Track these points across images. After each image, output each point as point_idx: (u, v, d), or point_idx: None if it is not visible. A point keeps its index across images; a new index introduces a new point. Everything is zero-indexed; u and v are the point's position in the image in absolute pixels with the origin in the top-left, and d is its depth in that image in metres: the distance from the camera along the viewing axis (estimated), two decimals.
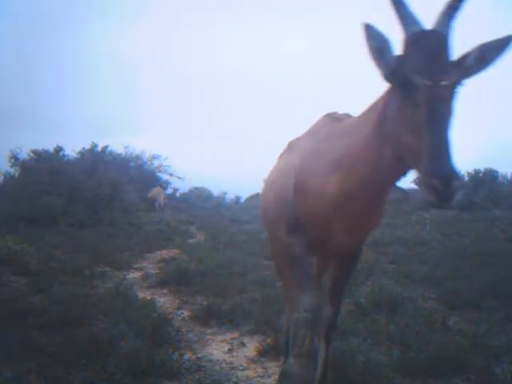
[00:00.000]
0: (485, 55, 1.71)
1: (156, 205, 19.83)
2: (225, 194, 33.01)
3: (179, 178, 26.28)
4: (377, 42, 1.71)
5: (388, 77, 1.72)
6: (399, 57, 1.71)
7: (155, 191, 20.55)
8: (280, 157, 2.84)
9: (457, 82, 1.67)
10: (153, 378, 3.06)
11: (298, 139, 2.64)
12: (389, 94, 1.80)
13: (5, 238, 7.00)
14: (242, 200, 33.50)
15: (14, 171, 15.64)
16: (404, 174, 1.85)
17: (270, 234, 2.72)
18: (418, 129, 1.61)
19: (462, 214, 13.65)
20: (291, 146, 2.68)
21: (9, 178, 15.37)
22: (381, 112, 1.83)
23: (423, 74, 1.63)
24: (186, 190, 30.80)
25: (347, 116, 2.39)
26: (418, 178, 1.63)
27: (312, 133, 2.43)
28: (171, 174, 26.23)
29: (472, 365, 3.19)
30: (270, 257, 3.22)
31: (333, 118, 2.40)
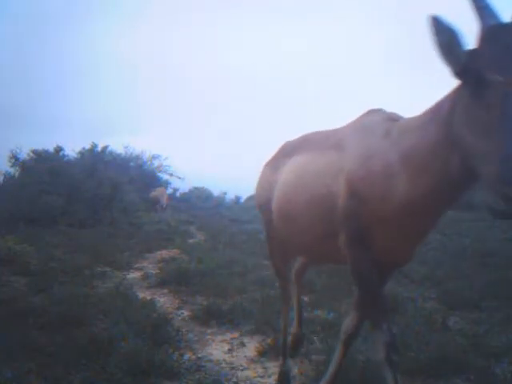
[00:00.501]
0: None
1: (158, 206, 19.65)
2: (225, 194, 33.07)
3: (179, 177, 26.34)
4: (446, 37, 1.58)
5: (459, 74, 1.58)
6: (472, 52, 1.57)
7: (158, 191, 20.39)
8: (287, 156, 2.63)
9: None
10: (153, 378, 3.06)
11: (329, 135, 2.35)
12: (458, 92, 1.64)
13: (5, 238, 7.01)
14: (242, 200, 33.52)
15: (14, 171, 15.68)
16: (470, 186, 1.71)
17: (289, 237, 2.58)
18: (491, 131, 1.48)
19: (462, 214, 13.64)
20: (330, 141, 2.32)
21: (9, 178, 15.39)
22: (448, 113, 1.68)
23: (499, 70, 1.49)
24: (186, 190, 30.83)
25: (397, 115, 2.16)
26: (486, 185, 1.49)
27: (362, 130, 2.12)
28: (171, 174, 26.28)
29: (472, 365, 3.19)
30: (268, 257, 3.21)
31: (385, 114, 2.14)
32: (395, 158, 1.87)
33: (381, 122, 2.08)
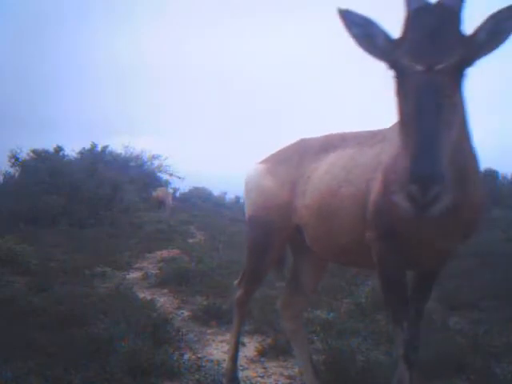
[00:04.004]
0: (500, 26, 1.44)
1: (163, 206, 19.07)
2: (225, 193, 33.07)
3: (179, 177, 26.35)
4: (360, 28, 1.53)
5: (387, 66, 1.50)
6: (393, 40, 1.50)
7: (161, 191, 20.03)
8: (316, 154, 2.51)
9: (462, 64, 1.42)
10: (153, 378, 3.06)
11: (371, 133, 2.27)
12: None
13: (5, 238, 7.00)
14: (242, 200, 33.49)
15: (14, 171, 15.67)
16: None
17: (323, 236, 2.38)
18: (408, 123, 1.39)
19: None
20: (379, 135, 2.23)
21: (9, 177, 15.38)
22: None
23: (415, 56, 1.39)
24: (186, 190, 30.84)
25: None
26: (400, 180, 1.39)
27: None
28: (171, 174, 26.30)
29: (472, 365, 3.19)
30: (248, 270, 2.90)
31: None
32: None
33: None
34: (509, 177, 20.44)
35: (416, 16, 1.44)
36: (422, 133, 1.33)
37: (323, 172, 2.39)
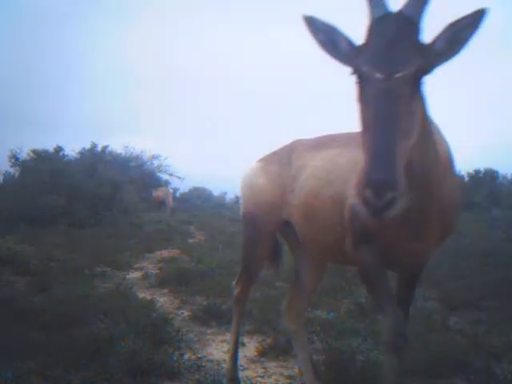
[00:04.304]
0: (457, 35, 1.49)
1: (163, 207, 18.93)
2: (225, 194, 33.07)
3: (179, 177, 26.34)
4: (325, 34, 1.58)
5: (351, 70, 1.53)
6: (359, 46, 1.55)
7: (161, 191, 19.89)
8: (307, 152, 2.59)
9: (420, 73, 1.46)
10: (153, 378, 3.06)
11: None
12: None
13: (5, 238, 7.00)
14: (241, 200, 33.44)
15: (14, 171, 15.68)
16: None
17: (309, 235, 2.51)
18: (367, 129, 1.43)
19: (462, 213, 13.65)
20: (349, 139, 2.32)
21: (9, 177, 15.39)
22: None
23: (375, 64, 1.43)
24: (186, 190, 30.83)
25: None
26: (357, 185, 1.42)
27: None
28: (171, 174, 26.29)
29: (472, 365, 3.19)
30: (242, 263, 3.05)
31: None
32: None
33: None
34: (509, 177, 20.46)
35: (377, 24, 1.49)
36: (378, 139, 1.37)
37: (309, 173, 2.48)
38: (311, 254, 2.79)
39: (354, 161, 2.08)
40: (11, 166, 15.77)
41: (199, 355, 3.65)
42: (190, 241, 11.21)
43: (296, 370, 3.30)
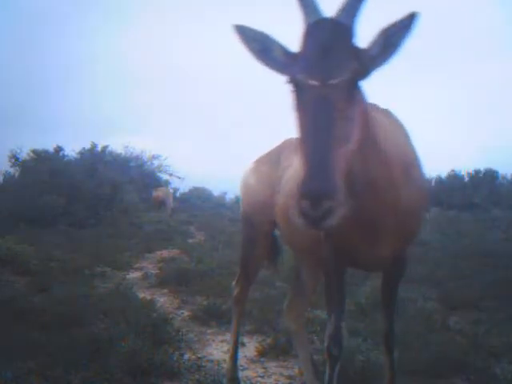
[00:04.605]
0: (391, 39, 1.48)
1: (163, 207, 18.77)
2: (225, 194, 33.04)
3: (179, 177, 26.32)
4: (257, 43, 1.55)
5: (286, 79, 1.50)
6: (293, 53, 1.52)
7: (161, 191, 19.75)
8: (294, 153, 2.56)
9: (355, 78, 1.45)
10: (153, 378, 3.06)
11: None
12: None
13: (5, 238, 7.00)
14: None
15: (14, 171, 15.67)
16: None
17: (290, 237, 2.57)
18: (303, 138, 1.40)
19: (462, 214, 13.64)
20: None
21: (9, 177, 15.39)
22: None
23: (310, 71, 1.41)
24: (186, 190, 30.82)
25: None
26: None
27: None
28: (171, 174, 26.28)
29: (472, 365, 3.19)
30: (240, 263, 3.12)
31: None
32: None
33: None
34: (509, 177, 20.46)
35: (311, 31, 1.47)
36: (314, 148, 1.34)
37: (290, 173, 2.48)
38: (295, 254, 2.86)
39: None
40: (11, 166, 15.77)
41: (199, 355, 3.65)
42: (190, 241, 11.21)
43: (296, 370, 3.30)
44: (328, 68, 1.40)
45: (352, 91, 1.45)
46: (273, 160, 2.77)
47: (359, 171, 1.67)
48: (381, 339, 2.32)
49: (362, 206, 1.77)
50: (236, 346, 3.04)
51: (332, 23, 1.47)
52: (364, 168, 1.68)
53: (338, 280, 2.15)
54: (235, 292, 3.05)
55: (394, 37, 1.48)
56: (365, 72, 1.49)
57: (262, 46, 1.56)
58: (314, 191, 1.28)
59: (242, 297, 3.03)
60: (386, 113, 2.16)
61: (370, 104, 2.10)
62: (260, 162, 2.93)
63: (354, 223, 1.81)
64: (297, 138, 1.47)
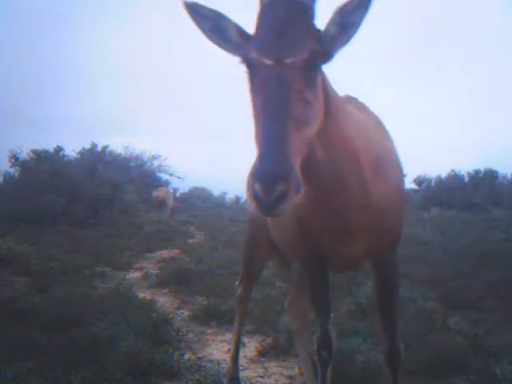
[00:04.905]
0: (347, 19, 1.41)
1: (163, 208, 18.70)
2: (225, 194, 33.04)
3: (179, 177, 26.31)
4: (209, 21, 1.47)
5: (239, 59, 1.44)
6: (248, 33, 1.46)
7: (161, 191, 19.69)
8: None
9: (313, 59, 1.38)
10: (153, 378, 3.06)
11: None
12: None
13: (5, 238, 7.00)
14: (242, 200, 33.51)
15: (14, 171, 15.65)
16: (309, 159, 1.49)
17: (276, 238, 2.55)
18: (256, 119, 1.34)
19: (462, 214, 13.64)
20: None
21: (9, 177, 15.37)
22: None
23: (264, 50, 1.34)
24: (186, 190, 30.81)
25: (364, 106, 2.10)
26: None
27: None
28: (171, 174, 26.27)
29: (472, 365, 3.20)
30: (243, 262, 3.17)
31: (354, 104, 2.04)
32: None
33: None
34: (509, 177, 20.46)
35: (267, 10, 1.41)
36: (268, 128, 1.27)
37: None
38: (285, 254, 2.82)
39: None
40: (11, 166, 15.73)
41: (199, 355, 3.65)
42: (190, 241, 11.21)
43: (296, 370, 3.30)
44: (283, 47, 1.33)
45: (310, 73, 1.37)
46: None
47: (324, 160, 1.60)
48: (383, 359, 2.17)
49: (329, 199, 1.72)
50: (238, 346, 3.05)
51: (288, 1, 1.40)
52: (329, 158, 1.61)
53: (321, 281, 2.11)
54: (238, 292, 3.05)
55: (351, 15, 1.41)
56: (325, 53, 1.43)
57: (214, 24, 1.48)
58: (266, 173, 1.19)
59: (245, 296, 3.03)
60: (361, 106, 2.10)
61: (344, 95, 2.06)
62: None
63: (323, 218, 1.79)
64: (252, 124, 1.39)
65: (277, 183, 1.18)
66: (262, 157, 1.23)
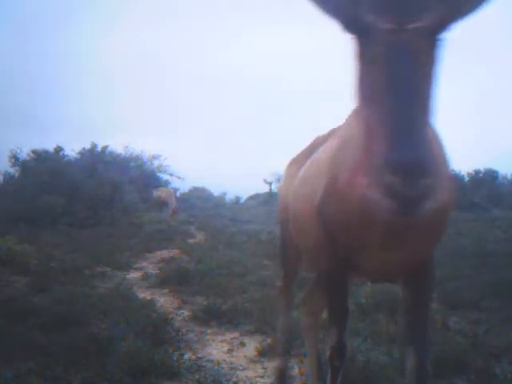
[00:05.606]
0: None
1: (164, 208, 18.61)
2: (225, 194, 33.09)
3: (179, 178, 26.31)
4: None
5: (343, 25, 1.21)
6: None
7: (162, 191, 19.67)
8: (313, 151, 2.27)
9: (439, 26, 1.15)
10: (153, 378, 3.06)
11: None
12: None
13: (5, 238, 7.00)
14: (242, 200, 33.55)
15: (14, 171, 15.66)
16: None
17: (298, 243, 2.36)
18: (376, 96, 1.10)
19: (462, 213, 13.64)
20: (338, 130, 2.01)
21: (9, 178, 15.38)
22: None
23: (383, 13, 1.11)
24: (186, 190, 30.83)
25: None
26: (370, 173, 1.07)
27: (353, 113, 1.74)
28: (171, 174, 26.26)
29: (472, 365, 3.19)
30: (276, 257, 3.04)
31: None
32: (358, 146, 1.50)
33: None
34: (509, 177, 20.47)
35: None
36: (402, 105, 1.05)
37: (301, 172, 2.28)
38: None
39: (329, 155, 1.79)
40: (11, 166, 15.75)
41: (199, 355, 3.65)
42: (190, 241, 11.21)
43: (296, 370, 3.30)
44: (406, 9, 1.10)
45: (433, 43, 1.14)
46: (302, 159, 2.50)
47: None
48: (407, 377, 1.80)
49: None
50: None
51: None
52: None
53: (343, 292, 1.88)
54: (279, 288, 2.95)
55: None
56: (449, 20, 1.17)
57: None
58: (407, 163, 0.97)
59: (285, 290, 2.89)
60: None
61: None
62: (290, 162, 2.72)
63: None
64: (358, 101, 1.19)
65: (422, 175, 0.98)
66: (396, 143, 1.00)
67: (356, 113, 1.40)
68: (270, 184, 30.33)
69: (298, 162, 2.51)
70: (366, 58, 1.16)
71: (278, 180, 30.34)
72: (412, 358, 1.75)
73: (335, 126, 2.29)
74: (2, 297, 4.61)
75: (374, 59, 1.12)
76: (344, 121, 1.92)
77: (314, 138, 2.58)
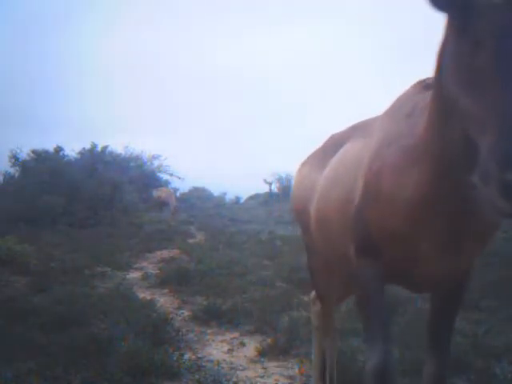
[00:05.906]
0: None
1: (165, 208, 18.60)
2: (225, 194, 33.10)
3: (179, 178, 26.31)
4: None
5: (437, 2, 1.07)
6: None
7: (162, 191, 19.66)
8: (334, 150, 2.13)
9: None
10: (153, 378, 3.05)
11: (375, 119, 1.83)
12: (445, 34, 1.14)
13: (5, 238, 7.00)
14: (242, 200, 33.56)
15: (14, 171, 15.66)
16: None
17: (325, 249, 2.18)
18: (482, 82, 0.99)
19: None
20: (366, 126, 1.88)
21: (9, 178, 15.38)
22: (437, 66, 1.18)
23: None
24: (186, 190, 30.82)
25: None
26: (480, 169, 0.95)
27: (395, 108, 1.63)
28: (171, 174, 26.26)
29: (472, 365, 3.19)
30: (307, 269, 2.76)
31: (426, 85, 1.49)
32: (408, 144, 1.38)
33: (410, 96, 1.54)
34: None
35: None
36: None
37: (325, 173, 2.12)
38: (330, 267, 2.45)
39: (361, 155, 1.68)
40: (11, 166, 15.76)
41: (199, 355, 3.65)
42: (190, 241, 11.22)
43: (296, 370, 3.30)
44: None
45: None
46: (316, 159, 2.39)
47: None
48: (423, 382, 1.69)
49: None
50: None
51: None
52: None
53: (379, 301, 1.63)
54: (312, 295, 2.77)
55: None
56: None
57: None
58: None
59: (323, 314, 2.66)
60: None
61: None
62: (305, 161, 2.57)
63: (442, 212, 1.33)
64: (450, 91, 1.07)
65: None
66: None
67: (433, 103, 1.25)
68: (270, 184, 30.37)
69: (312, 163, 2.40)
70: (465, 39, 1.04)
71: (278, 180, 30.41)
72: (431, 365, 1.68)
73: (355, 122, 2.19)
74: (2, 297, 4.61)
75: (479, 40, 1.01)
76: (381, 114, 1.77)
77: (328, 138, 2.45)
